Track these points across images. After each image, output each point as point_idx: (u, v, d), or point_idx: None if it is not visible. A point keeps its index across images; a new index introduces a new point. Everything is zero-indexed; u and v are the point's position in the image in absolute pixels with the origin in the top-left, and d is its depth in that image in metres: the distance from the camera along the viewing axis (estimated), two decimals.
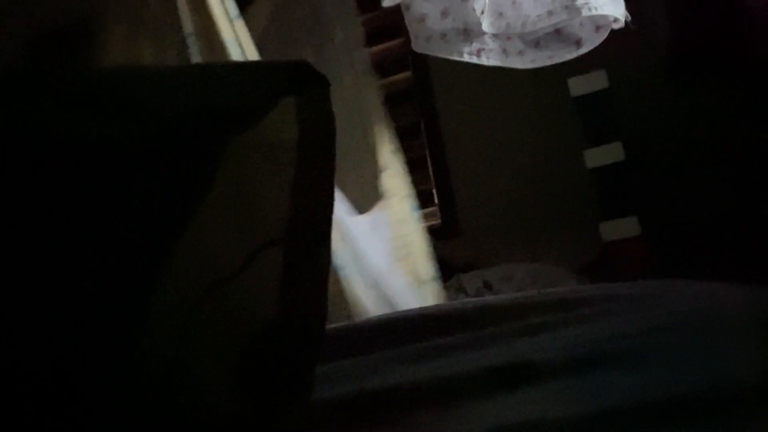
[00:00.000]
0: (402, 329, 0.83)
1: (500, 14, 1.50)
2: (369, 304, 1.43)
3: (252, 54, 1.48)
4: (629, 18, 1.53)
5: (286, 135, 0.63)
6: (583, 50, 1.58)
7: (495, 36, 1.55)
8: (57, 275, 0.46)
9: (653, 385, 0.50)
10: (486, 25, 1.50)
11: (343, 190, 1.51)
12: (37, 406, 0.43)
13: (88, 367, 0.46)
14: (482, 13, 1.48)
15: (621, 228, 2.02)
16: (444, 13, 1.56)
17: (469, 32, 1.54)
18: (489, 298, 0.99)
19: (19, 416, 0.43)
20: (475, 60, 1.57)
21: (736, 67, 1.89)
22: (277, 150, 0.63)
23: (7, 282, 0.44)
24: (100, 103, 0.52)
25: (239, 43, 1.46)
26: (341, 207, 1.51)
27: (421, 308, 0.91)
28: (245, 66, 0.69)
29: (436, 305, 0.90)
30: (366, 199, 1.62)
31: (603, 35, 1.55)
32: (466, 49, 1.54)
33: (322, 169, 0.64)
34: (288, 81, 0.62)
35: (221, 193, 0.56)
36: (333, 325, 0.88)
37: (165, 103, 0.55)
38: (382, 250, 1.55)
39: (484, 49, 1.56)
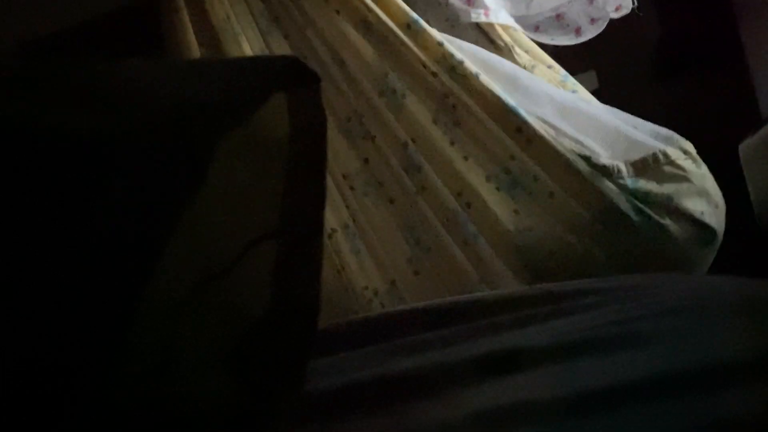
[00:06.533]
0: (395, 324, 0.84)
1: None
2: (573, 133, 1.33)
3: None
4: (636, 4, 1.54)
5: (277, 130, 0.64)
6: (583, 39, 1.58)
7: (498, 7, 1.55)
8: (50, 267, 0.46)
9: (641, 366, 0.51)
10: (490, 2, 1.50)
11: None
12: (30, 390, 0.44)
13: (81, 355, 0.46)
14: None
15: None
16: None
17: (473, 1, 1.53)
18: (481, 294, 1.00)
19: (12, 401, 0.43)
20: (483, 18, 1.53)
21: (726, 67, 1.91)
22: (269, 145, 0.64)
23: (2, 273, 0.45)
24: (92, 98, 0.53)
25: None
26: (500, 60, 1.44)
27: (414, 304, 0.92)
28: (236, 62, 0.70)
29: (428, 302, 0.91)
30: None
31: (600, 27, 1.56)
32: (473, 12, 1.52)
33: (314, 163, 0.64)
34: (279, 77, 0.63)
35: (214, 188, 0.57)
36: (328, 322, 0.89)
37: (156, 98, 0.56)
38: (564, 95, 1.45)
39: (491, 9, 1.53)
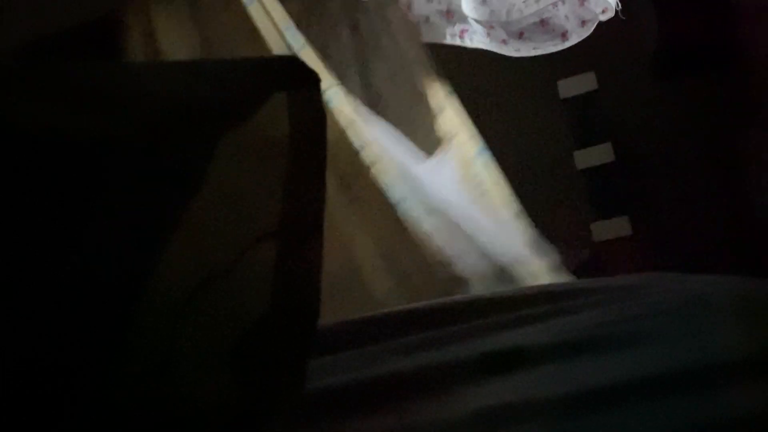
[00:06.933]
0: (395, 324, 0.84)
1: (483, 1, 1.51)
2: (442, 237, 1.40)
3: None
4: (620, 7, 1.54)
5: (277, 131, 0.64)
6: (569, 43, 1.59)
7: (478, 22, 1.56)
8: (50, 267, 0.46)
9: (640, 365, 0.51)
10: (468, 9, 1.51)
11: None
12: (30, 390, 0.44)
13: (81, 355, 0.46)
14: None
15: (612, 228, 2.03)
16: None
17: (453, 13, 1.55)
18: (480, 293, 1.00)
19: (12, 400, 0.43)
20: (458, 42, 1.56)
21: (725, 68, 1.91)
22: (269, 145, 0.64)
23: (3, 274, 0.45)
24: (91, 99, 0.53)
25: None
26: (400, 148, 1.51)
27: (414, 303, 0.92)
28: (236, 62, 0.70)
29: (427, 302, 0.91)
30: (427, 144, 1.58)
31: (589, 29, 1.56)
32: (449, 30, 1.55)
33: (314, 164, 0.64)
34: (279, 77, 0.63)
35: (214, 189, 0.57)
36: (328, 322, 0.89)
37: (156, 99, 0.56)
38: (454, 191, 1.52)
39: (467, 30, 1.56)
